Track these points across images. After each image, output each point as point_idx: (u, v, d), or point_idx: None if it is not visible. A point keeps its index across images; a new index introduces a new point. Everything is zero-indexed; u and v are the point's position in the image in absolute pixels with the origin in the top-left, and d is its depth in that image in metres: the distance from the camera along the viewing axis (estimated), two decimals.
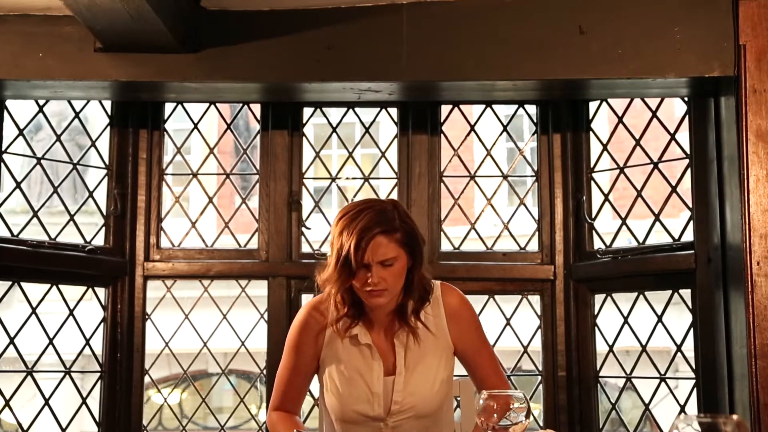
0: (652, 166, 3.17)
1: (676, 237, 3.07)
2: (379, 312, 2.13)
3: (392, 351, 2.13)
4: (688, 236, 3.01)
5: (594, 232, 3.21)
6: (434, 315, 2.16)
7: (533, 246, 3.29)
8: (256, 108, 3.37)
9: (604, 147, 3.28)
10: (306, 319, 2.18)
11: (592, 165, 3.25)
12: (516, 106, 3.36)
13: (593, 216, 3.22)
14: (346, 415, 2.10)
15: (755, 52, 2.72)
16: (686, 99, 3.07)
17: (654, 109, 3.21)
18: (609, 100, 3.25)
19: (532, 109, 3.35)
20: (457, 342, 2.17)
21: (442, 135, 3.31)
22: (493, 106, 3.36)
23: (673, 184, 3.11)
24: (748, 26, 2.73)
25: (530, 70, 2.92)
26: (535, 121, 3.34)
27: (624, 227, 3.19)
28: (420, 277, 2.11)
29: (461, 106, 3.37)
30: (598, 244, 3.19)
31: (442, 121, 3.33)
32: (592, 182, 3.24)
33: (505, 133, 3.42)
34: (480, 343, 2.20)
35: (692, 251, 2.95)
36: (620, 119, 3.27)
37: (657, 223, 3.15)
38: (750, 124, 2.70)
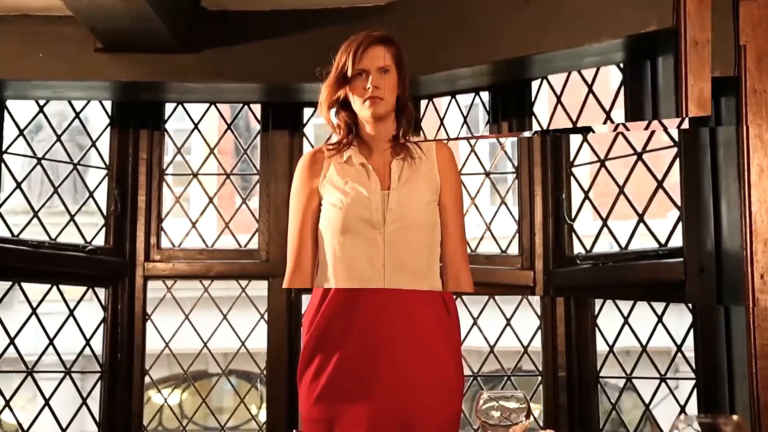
0: (635, 157, 2.91)
1: (663, 242, 2.80)
2: (378, 140, 2.26)
3: (389, 172, 2.25)
4: (677, 241, 2.72)
5: (574, 234, 3.08)
6: (427, 158, 2.28)
7: (514, 249, 3.21)
8: (257, 108, 3.37)
9: (584, 139, 3.12)
10: (305, 159, 2.31)
11: (571, 159, 3.09)
12: (473, 94, 3.23)
13: (573, 216, 3.08)
14: (347, 223, 2.19)
15: (755, 52, 2.71)
16: None
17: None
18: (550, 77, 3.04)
19: (487, 96, 3.21)
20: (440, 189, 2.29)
21: (421, 132, 3.27)
22: (457, 96, 3.24)
23: (659, 178, 2.81)
24: (749, 26, 2.71)
25: (484, 53, 2.87)
26: (488, 109, 3.23)
27: (605, 229, 3.01)
28: (406, 104, 2.27)
29: (434, 100, 3.26)
30: (578, 248, 3.07)
31: (420, 117, 3.23)
32: (572, 178, 3.09)
33: (465, 125, 3.31)
34: (455, 200, 2.29)
35: (681, 259, 2.62)
36: (558, 99, 3.07)
37: (641, 226, 2.89)
38: (750, 124, 2.68)
